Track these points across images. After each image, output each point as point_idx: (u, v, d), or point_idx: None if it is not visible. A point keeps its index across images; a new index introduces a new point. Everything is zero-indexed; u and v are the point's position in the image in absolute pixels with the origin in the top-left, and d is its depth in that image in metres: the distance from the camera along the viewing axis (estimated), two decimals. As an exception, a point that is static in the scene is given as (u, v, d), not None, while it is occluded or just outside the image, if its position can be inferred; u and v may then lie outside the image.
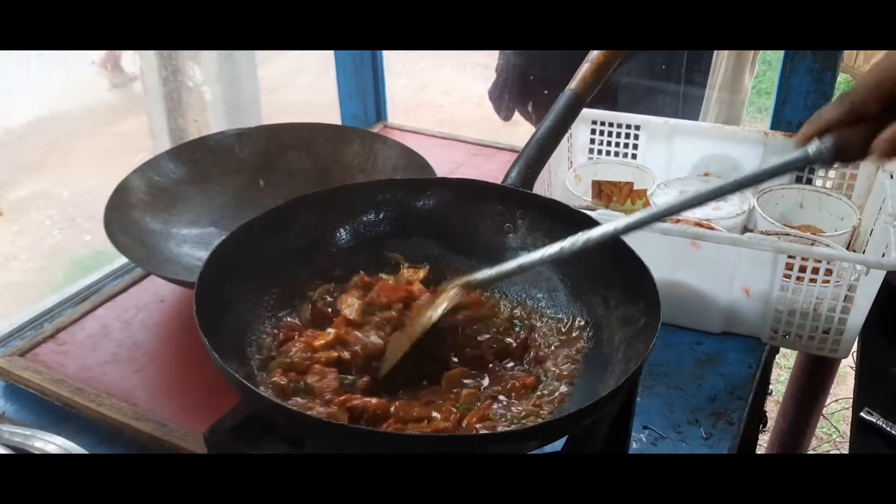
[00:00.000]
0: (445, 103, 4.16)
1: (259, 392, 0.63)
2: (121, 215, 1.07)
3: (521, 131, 2.46)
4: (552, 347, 0.81)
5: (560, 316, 0.84)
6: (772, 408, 1.97)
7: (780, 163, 0.66)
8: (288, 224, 0.83)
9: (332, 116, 1.74)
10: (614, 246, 0.77)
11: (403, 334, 0.77)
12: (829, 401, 1.96)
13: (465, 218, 0.90)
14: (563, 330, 0.83)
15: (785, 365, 2.33)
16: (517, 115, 2.03)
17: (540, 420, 0.71)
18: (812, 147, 0.65)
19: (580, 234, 0.72)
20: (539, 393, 0.74)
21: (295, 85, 4.13)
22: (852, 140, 0.63)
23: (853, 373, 1.24)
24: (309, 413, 0.61)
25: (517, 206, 0.88)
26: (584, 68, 0.95)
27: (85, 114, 3.56)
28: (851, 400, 1.03)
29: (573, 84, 0.94)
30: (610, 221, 0.72)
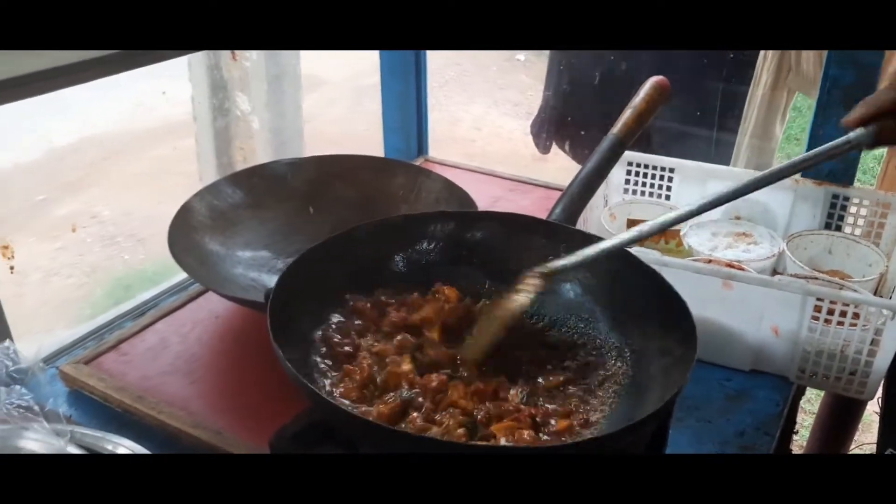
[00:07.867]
0: (477, 138, 4.24)
1: (327, 398, 0.68)
2: (183, 236, 1.13)
3: (551, 167, 2.51)
4: (592, 374, 0.85)
5: (599, 344, 0.89)
6: (795, 451, 1.98)
7: (824, 148, 0.73)
8: (350, 249, 0.89)
9: (368, 147, 1.79)
10: (654, 280, 0.82)
11: (493, 319, 0.84)
12: (853, 446, 1.96)
13: (510, 250, 0.95)
14: (603, 357, 0.87)
15: (809, 410, 2.33)
16: (551, 151, 2.09)
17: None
18: (855, 133, 0.71)
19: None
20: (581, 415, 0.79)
21: (328, 115, 4.24)
22: (893, 127, 0.69)
23: (877, 418, 1.26)
24: (370, 419, 0.65)
25: (561, 240, 0.92)
26: (627, 114, 1.01)
27: (123, 137, 3.68)
28: (875, 445, 1.06)
29: (616, 129, 1.00)
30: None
